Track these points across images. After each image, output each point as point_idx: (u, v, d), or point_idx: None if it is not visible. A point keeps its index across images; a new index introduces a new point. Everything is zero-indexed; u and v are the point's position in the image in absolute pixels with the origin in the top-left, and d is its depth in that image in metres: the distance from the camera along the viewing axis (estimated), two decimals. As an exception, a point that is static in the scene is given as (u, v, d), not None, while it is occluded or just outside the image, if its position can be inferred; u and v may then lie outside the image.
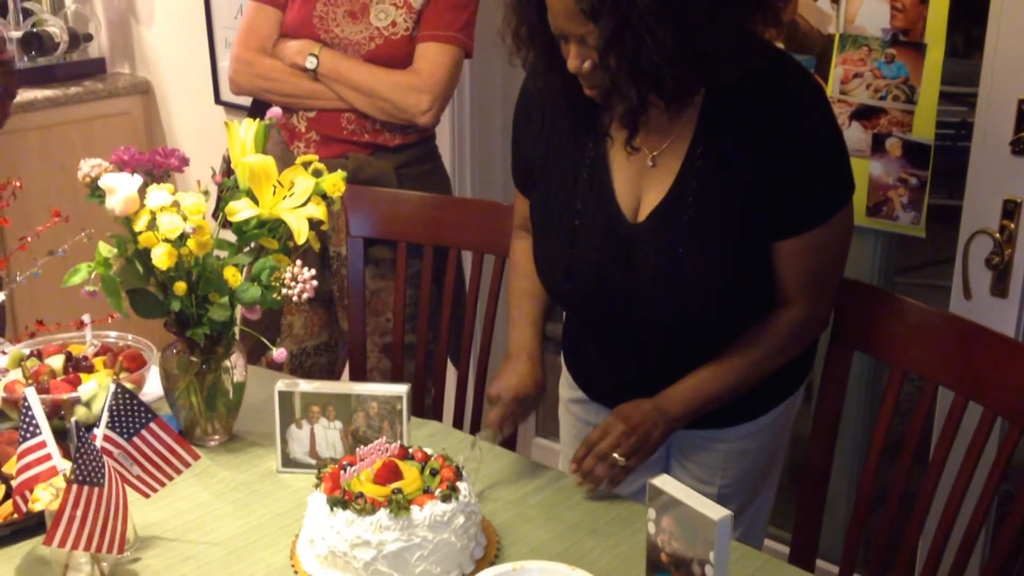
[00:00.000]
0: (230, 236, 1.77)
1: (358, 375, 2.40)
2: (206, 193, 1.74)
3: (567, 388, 1.99)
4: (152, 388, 1.90)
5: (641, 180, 1.68)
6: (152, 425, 1.52)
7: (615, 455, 1.65)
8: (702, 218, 1.63)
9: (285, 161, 2.25)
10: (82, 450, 1.38)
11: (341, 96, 2.41)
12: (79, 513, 1.38)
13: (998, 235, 2.20)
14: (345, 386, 1.75)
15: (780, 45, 2.41)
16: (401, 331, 2.32)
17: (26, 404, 1.46)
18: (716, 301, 1.67)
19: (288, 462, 1.76)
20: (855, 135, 2.37)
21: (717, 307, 1.68)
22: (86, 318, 1.89)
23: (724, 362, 1.72)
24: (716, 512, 1.33)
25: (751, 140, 1.59)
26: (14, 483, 1.48)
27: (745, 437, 1.85)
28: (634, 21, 1.45)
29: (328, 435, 1.74)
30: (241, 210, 1.71)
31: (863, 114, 2.35)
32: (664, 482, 1.39)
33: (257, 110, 2.56)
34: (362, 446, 1.53)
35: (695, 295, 1.66)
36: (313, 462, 1.75)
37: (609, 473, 1.66)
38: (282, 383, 1.74)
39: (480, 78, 2.99)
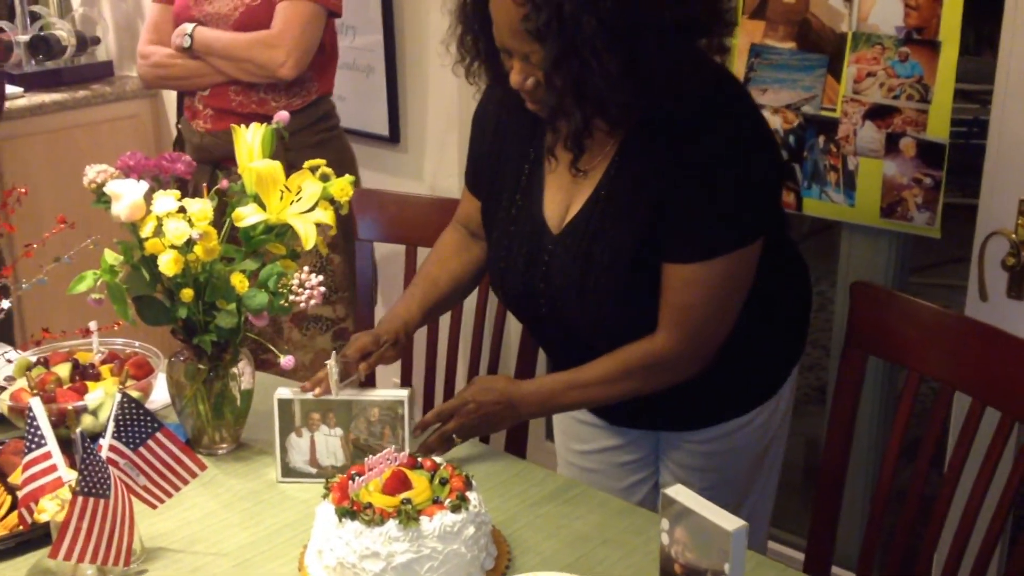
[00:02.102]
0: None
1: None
2: (212, 198, 1.72)
3: None
4: (160, 396, 1.88)
5: (572, 191, 1.69)
6: (158, 435, 1.51)
7: (454, 436, 1.71)
8: (606, 231, 1.64)
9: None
10: (87, 461, 1.37)
11: (215, 68, 2.60)
12: (85, 525, 1.37)
13: (1014, 236, 2.17)
14: (346, 393, 1.73)
15: (791, 44, 2.39)
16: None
17: (31, 414, 1.44)
18: (618, 315, 1.67)
19: (288, 471, 1.74)
20: (868, 135, 2.34)
21: (621, 321, 1.67)
22: (93, 325, 1.88)
23: (581, 375, 1.71)
24: (731, 523, 1.30)
25: (663, 160, 1.58)
26: (20, 494, 1.47)
27: (718, 439, 1.84)
28: (580, 45, 1.45)
29: (329, 443, 1.72)
30: (248, 215, 1.70)
31: (877, 113, 2.32)
32: (677, 492, 1.37)
33: (180, 102, 2.82)
34: (364, 454, 1.51)
35: (597, 307, 1.66)
36: (314, 471, 1.73)
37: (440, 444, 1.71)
38: (281, 391, 1.72)
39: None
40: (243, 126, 2.47)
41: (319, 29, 2.60)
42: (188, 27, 2.61)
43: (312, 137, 2.64)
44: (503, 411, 1.72)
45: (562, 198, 1.70)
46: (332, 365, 1.69)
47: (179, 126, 2.84)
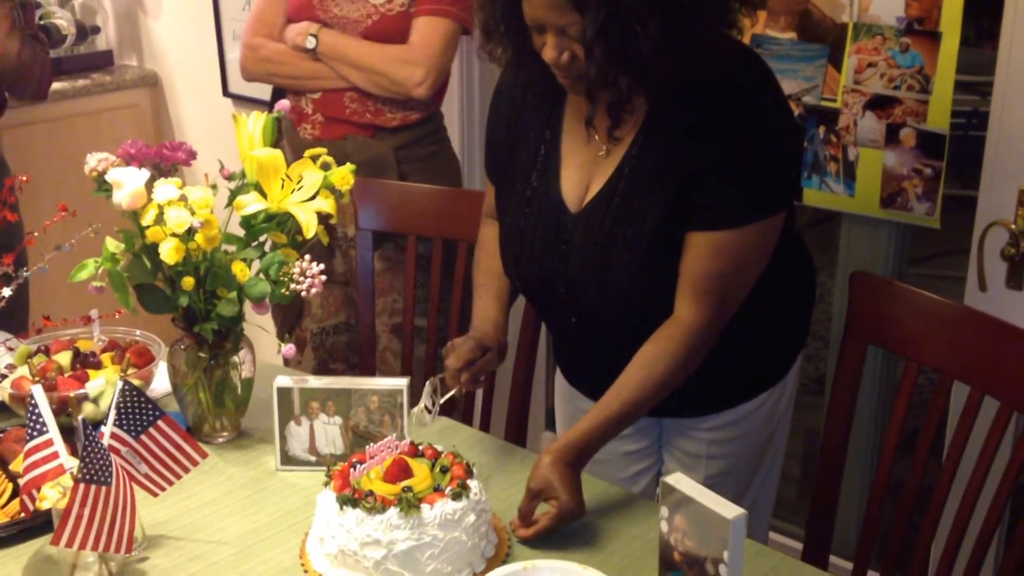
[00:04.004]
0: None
1: (367, 364, 2.40)
2: (214, 187, 1.72)
3: (559, 372, 2.01)
4: (160, 384, 1.89)
5: (592, 170, 1.68)
6: (160, 423, 1.51)
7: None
8: (629, 206, 1.63)
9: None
10: (89, 448, 1.37)
11: (340, 74, 2.46)
12: (87, 512, 1.37)
13: (1014, 226, 2.18)
14: (345, 381, 1.74)
15: (792, 34, 2.39)
16: (411, 315, 2.33)
17: (32, 402, 1.45)
18: (642, 292, 1.65)
19: (287, 460, 1.74)
20: (869, 125, 2.34)
21: (644, 298, 1.66)
22: (94, 313, 1.88)
23: (624, 396, 1.64)
24: (730, 511, 1.31)
25: (690, 134, 1.58)
26: (21, 481, 1.47)
27: (724, 427, 1.84)
28: (623, 11, 1.44)
29: (328, 431, 1.73)
30: (249, 204, 1.70)
31: (877, 104, 2.32)
32: (677, 480, 1.37)
33: (276, 97, 2.63)
34: (364, 442, 1.51)
35: (620, 285, 1.65)
36: (313, 459, 1.74)
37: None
38: (281, 379, 1.73)
39: (491, 66, 2.97)
40: (356, 136, 2.44)
41: (455, 48, 2.48)
42: (312, 27, 2.48)
43: (422, 150, 2.55)
44: (576, 491, 1.59)
45: (581, 177, 1.69)
46: (427, 393, 1.65)
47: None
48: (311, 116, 2.53)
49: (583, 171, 1.69)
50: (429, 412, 1.68)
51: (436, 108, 2.59)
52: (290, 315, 2.66)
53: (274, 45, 2.53)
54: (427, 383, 1.66)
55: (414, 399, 1.71)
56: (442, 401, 1.66)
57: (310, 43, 2.46)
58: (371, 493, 1.43)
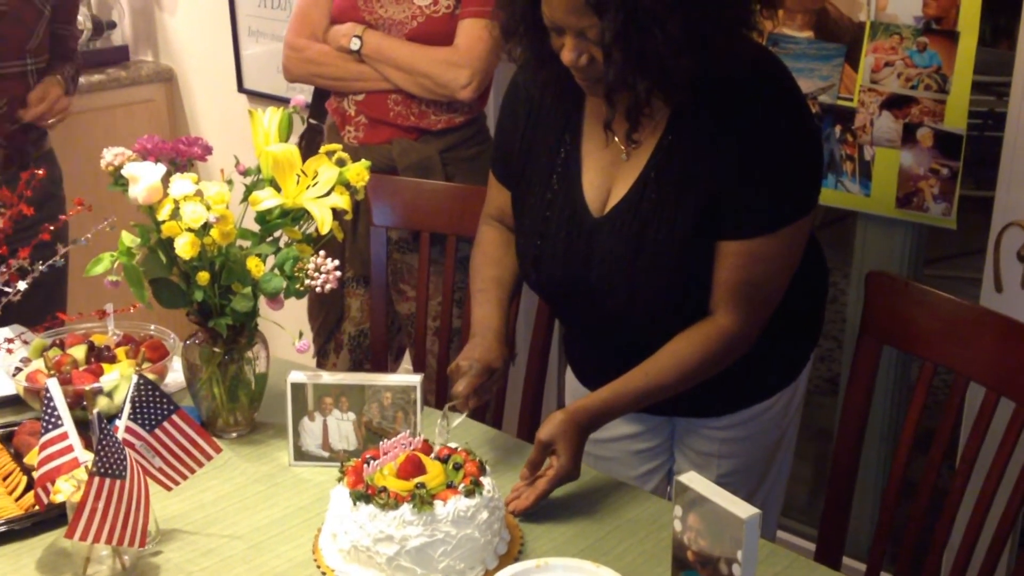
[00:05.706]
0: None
1: (380, 361, 2.39)
2: (229, 182, 1.73)
3: (569, 370, 2.00)
4: (175, 378, 1.89)
5: (613, 173, 1.68)
6: (174, 417, 1.51)
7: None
8: (659, 212, 1.62)
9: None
10: (104, 442, 1.38)
11: (385, 76, 2.44)
12: (101, 506, 1.38)
13: (1031, 227, 2.17)
14: (358, 377, 1.74)
15: (809, 33, 2.38)
16: (424, 313, 2.33)
17: (48, 395, 1.45)
18: (670, 297, 1.65)
19: (301, 455, 1.74)
20: (886, 124, 2.33)
21: (672, 303, 1.66)
22: (108, 308, 1.89)
23: (651, 378, 1.66)
24: (744, 510, 1.30)
25: (716, 139, 1.57)
26: (36, 474, 1.48)
27: (737, 426, 1.84)
28: (641, 14, 1.43)
29: (341, 427, 1.73)
30: (264, 199, 1.70)
31: (894, 103, 2.31)
32: (691, 479, 1.37)
33: (319, 96, 2.64)
34: (377, 438, 1.51)
35: (648, 290, 1.65)
36: (326, 454, 1.74)
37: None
38: (295, 374, 1.73)
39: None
40: (401, 140, 2.42)
41: (500, 50, 2.48)
42: (357, 28, 2.45)
43: (467, 151, 2.53)
44: (581, 450, 1.64)
45: (602, 181, 1.68)
46: (441, 423, 1.63)
47: (312, 121, 2.68)
48: (354, 118, 2.51)
49: (604, 175, 1.68)
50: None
51: (480, 110, 2.58)
52: (329, 320, 2.65)
53: (318, 46, 2.50)
54: (439, 419, 1.63)
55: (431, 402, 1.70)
56: (453, 427, 1.65)
57: (355, 45, 2.43)
58: (384, 489, 1.43)
